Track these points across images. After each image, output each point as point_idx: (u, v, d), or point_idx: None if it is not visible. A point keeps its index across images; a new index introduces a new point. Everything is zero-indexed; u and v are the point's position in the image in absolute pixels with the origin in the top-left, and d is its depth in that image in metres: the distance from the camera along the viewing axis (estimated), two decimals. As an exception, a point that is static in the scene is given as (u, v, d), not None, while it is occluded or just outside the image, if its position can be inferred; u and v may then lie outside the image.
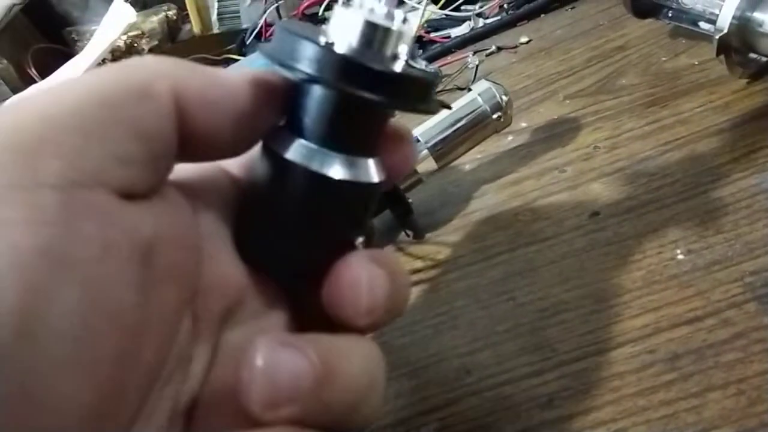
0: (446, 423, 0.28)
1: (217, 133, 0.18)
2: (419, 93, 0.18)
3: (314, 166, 0.18)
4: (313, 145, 0.18)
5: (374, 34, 0.17)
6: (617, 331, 0.29)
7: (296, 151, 0.18)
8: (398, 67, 0.18)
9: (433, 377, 0.30)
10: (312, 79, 0.17)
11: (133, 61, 0.17)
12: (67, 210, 0.14)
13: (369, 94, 0.17)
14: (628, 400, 0.26)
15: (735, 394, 0.25)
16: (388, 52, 0.18)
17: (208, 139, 0.18)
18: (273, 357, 0.17)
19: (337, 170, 0.18)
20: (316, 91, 0.18)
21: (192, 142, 0.17)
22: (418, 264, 0.37)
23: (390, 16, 0.18)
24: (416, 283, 0.36)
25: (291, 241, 0.19)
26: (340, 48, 0.17)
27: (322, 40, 0.17)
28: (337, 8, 0.18)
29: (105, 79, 0.16)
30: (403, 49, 0.18)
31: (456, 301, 0.34)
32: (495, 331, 0.31)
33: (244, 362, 0.17)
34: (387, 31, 0.18)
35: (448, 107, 0.20)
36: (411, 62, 0.18)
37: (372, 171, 0.19)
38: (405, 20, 0.18)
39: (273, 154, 0.18)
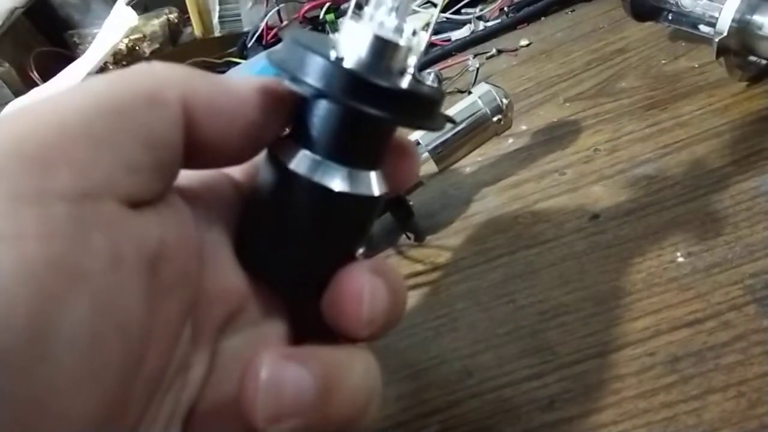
0: (447, 425, 0.28)
1: (224, 142, 0.18)
2: (425, 110, 0.19)
3: (317, 178, 0.18)
4: (317, 157, 0.18)
5: (383, 49, 0.18)
6: (617, 333, 0.29)
7: (300, 161, 0.18)
8: (405, 82, 0.18)
9: (433, 379, 0.30)
10: (319, 94, 0.17)
11: (142, 68, 0.17)
12: (77, 221, 0.14)
13: (375, 110, 0.17)
14: (628, 403, 0.26)
15: (735, 396, 0.25)
16: (397, 66, 0.18)
17: (215, 147, 0.18)
18: (277, 371, 0.17)
19: (338, 183, 0.18)
20: (323, 105, 0.18)
21: (198, 149, 0.17)
22: (419, 266, 0.38)
23: (400, 29, 0.18)
24: (417, 285, 0.36)
25: (291, 251, 0.19)
26: (349, 63, 0.17)
27: (332, 54, 0.17)
28: (347, 21, 0.18)
29: (114, 85, 0.16)
30: (411, 62, 0.18)
31: (456, 304, 0.34)
32: (495, 333, 0.31)
33: (248, 375, 0.17)
34: (396, 46, 0.18)
35: (453, 122, 0.20)
36: (418, 76, 0.18)
37: (374, 184, 0.19)
38: (415, 33, 0.18)
39: (277, 164, 0.18)
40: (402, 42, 0.18)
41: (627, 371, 0.27)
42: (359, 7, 0.18)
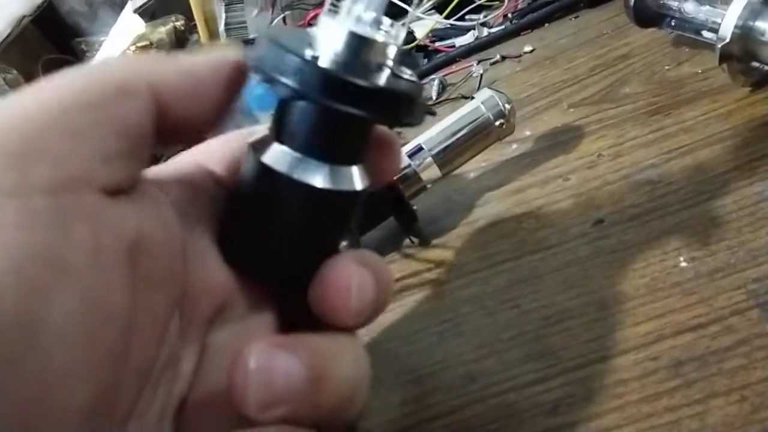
0: (451, 430, 0.28)
1: (191, 121, 0.18)
2: (403, 106, 0.19)
3: (297, 175, 0.18)
4: (297, 154, 0.18)
5: (359, 45, 0.18)
6: (621, 338, 0.29)
7: (281, 159, 0.18)
8: (382, 79, 0.18)
9: (438, 384, 0.30)
10: (296, 94, 0.17)
11: (111, 60, 0.18)
12: (58, 213, 0.14)
13: (351, 108, 0.17)
14: (631, 407, 0.26)
15: (738, 400, 0.25)
16: (374, 61, 0.18)
17: (182, 127, 0.18)
18: (267, 359, 0.17)
19: (319, 179, 0.18)
20: (300, 104, 0.18)
21: (167, 131, 0.18)
22: (423, 271, 0.38)
23: (377, 22, 0.18)
24: (421, 290, 0.36)
25: (275, 247, 0.19)
26: (324, 61, 0.17)
27: (308, 52, 0.17)
28: (324, 17, 0.18)
29: (85, 79, 0.17)
30: (389, 55, 0.18)
31: (461, 309, 0.34)
32: (500, 338, 0.31)
33: (238, 364, 0.17)
34: (372, 42, 0.18)
35: (433, 113, 0.20)
36: (396, 70, 0.18)
37: (355, 179, 0.19)
38: (392, 25, 0.18)
39: (258, 162, 0.18)
40: (379, 37, 0.18)
41: (630, 376, 0.27)
42: None
